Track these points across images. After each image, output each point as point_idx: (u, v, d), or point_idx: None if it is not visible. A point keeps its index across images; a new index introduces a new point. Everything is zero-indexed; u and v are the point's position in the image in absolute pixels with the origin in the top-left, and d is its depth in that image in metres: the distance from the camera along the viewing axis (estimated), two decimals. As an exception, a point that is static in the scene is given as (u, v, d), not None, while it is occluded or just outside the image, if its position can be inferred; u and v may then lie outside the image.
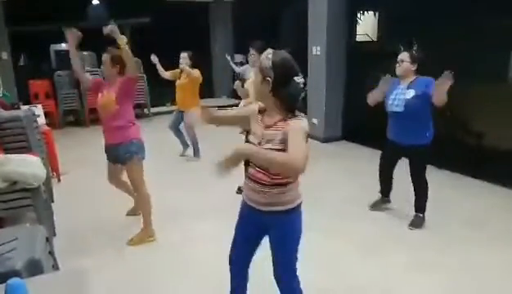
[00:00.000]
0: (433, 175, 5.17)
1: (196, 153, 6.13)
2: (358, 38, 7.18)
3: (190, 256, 3.38)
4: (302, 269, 2.21)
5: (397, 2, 6.23)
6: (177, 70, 5.97)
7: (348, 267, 3.17)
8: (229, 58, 8.08)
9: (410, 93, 3.49)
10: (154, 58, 6.07)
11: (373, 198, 4.18)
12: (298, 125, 1.87)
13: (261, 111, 2.04)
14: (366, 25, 7.36)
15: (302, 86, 1.91)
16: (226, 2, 10.33)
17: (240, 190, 4.80)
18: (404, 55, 3.56)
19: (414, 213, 3.81)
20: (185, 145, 6.29)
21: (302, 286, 2.23)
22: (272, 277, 2.20)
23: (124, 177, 3.77)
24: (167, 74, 6.12)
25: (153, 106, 9.43)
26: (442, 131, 5.29)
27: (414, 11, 5.79)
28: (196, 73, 5.73)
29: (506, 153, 4.82)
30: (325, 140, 6.72)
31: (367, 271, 3.10)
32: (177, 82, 6.01)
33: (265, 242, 2.19)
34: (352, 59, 6.75)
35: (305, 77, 1.95)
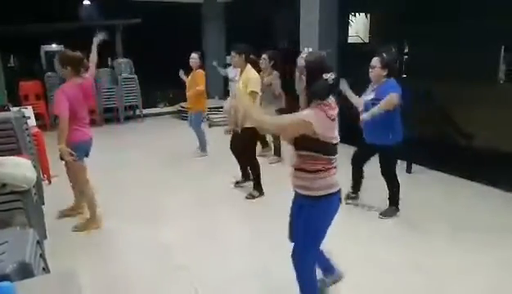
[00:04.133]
0: (424, 175, 5.29)
1: (204, 148, 6.31)
2: (350, 40, 7.23)
3: (180, 256, 3.37)
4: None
5: (388, 4, 6.29)
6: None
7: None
8: (215, 64, 7.95)
9: (371, 96, 3.74)
10: (181, 74, 6.21)
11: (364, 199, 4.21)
12: (303, 111, 2.22)
13: None
14: (358, 27, 7.42)
15: (331, 81, 2.17)
16: (219, 2, 10.33)
17: (237, 183, 4.93)
18: (375, 61, 3.71)
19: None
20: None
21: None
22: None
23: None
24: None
25: (145, 107, 9.40)
26: (433, 132, 5.37)
27: (405, 12, 5.85)
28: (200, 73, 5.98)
29: (496, 154, 4.88)
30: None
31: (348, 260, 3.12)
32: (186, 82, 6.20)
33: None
34: (344, 60, 6.79)
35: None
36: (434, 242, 3.55)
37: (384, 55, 3.73)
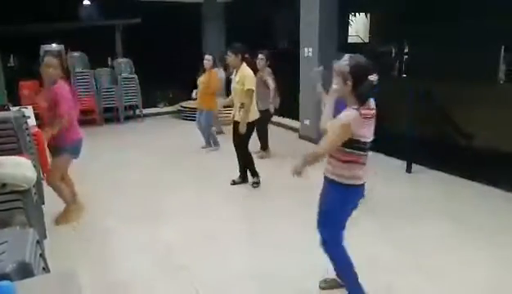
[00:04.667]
0: (424, 175, 5.29)
1: (216, 143, 6.57)
2: (350, 40, 7.23)
3: (180, 256, 3.37)
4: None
5: (388, 4, 6.29)
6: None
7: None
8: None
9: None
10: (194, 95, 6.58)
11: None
12: (342, 116, 2.33)
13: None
14: (358, 27, 7.42)
15: (375, 83, 2.29)
16: (219, 2, 10.33)
17: (234, 183, 4.97)
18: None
19: None
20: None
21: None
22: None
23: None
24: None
25: (144, 107, 9.40)
26: (433, 132, 5.37)
27: (405, 12, 5.86)
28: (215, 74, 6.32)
29: (496, 154, 4.88)
30: (318, 141, 6.74)
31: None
32: (198, 82, 6.43)
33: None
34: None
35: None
36: (435, 241, 3.55)
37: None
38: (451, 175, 5.09)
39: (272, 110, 5.93)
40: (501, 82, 5.09)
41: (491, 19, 4.70)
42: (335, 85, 2.41)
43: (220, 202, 4.51)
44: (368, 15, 7.43)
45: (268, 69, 5.91)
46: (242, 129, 4.54)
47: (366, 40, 7.49)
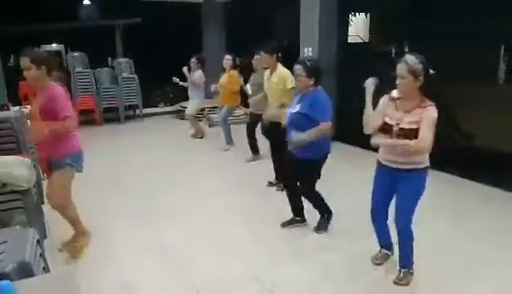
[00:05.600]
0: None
1: (229, 141, 6.62)
2: (350, 39, 7.22)
3: (180, 256, 3.37)
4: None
5: (388, 4, 6.29)
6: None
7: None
8: (177, 80, 7.59)
9: (296, 108, 3.41)
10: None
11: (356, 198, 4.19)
12: (433, 114, 2.59)
13: (392, 100, 2.78)
14: (358, 27, 7.43)
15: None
16: (219, 2, 10.33)
17: (271, 184, 4.88)
18: (299, 69, 3.37)
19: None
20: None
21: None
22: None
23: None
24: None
25: (145, 107, 9.41)
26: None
27: (405, 12, 5.85)
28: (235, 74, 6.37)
29: (496, 154, 4.88)
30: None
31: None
32: (220, 82, 6.54)
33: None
34: (344, 60, 6.79)
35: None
36: (436, 242, 3.55)
37: (307, 62, 3.39)
38: (451, 175, 5.09)
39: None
40: (501, 82, 5.09)
41: (491, 19, 4.69)
42: (402, 82, 2.65)
43: (221, 202, 4.51)
44: (368, 15, 7.43)
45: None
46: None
47: (366, 40, 7.49)
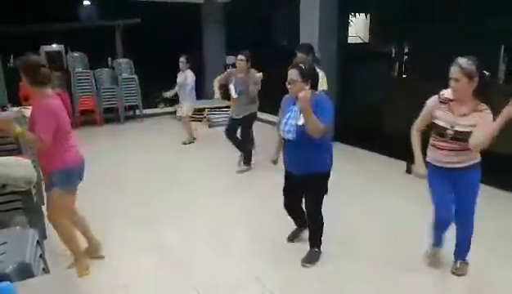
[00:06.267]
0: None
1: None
2: (350, 40, 7.22)
3: (180, 257, 3.37)
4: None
5: (388, 4, 6.29)
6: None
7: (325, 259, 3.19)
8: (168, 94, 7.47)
9: (300, 119, 2.93)
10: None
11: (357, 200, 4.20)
12: (490, 118, 2.70)
13: (443, 102, 2.83)
14: (358, 27, 7.42)
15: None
16: (219, 2, 10.33)
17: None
18: (294, 74, 2.98)
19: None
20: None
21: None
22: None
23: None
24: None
25: (145, 108, 9.40)
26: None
27: (405, 12, 5.85)
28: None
29: (496, 154, 4.87)
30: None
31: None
32: None
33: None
34: (344, 60, 6.79)
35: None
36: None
37: (303, 65, 3.03)
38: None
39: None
40: (501, 82, 5.08)
41: (491, 19, 4.69)
42: (456, 85, 2.71)
43: (221, 202, 4.51)
44: (368, 15, 7.42)
45: (253, 70, 5.43)
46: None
47: (366, 40, 7.48)
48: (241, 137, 5.61)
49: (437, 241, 3.19)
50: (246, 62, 5.30)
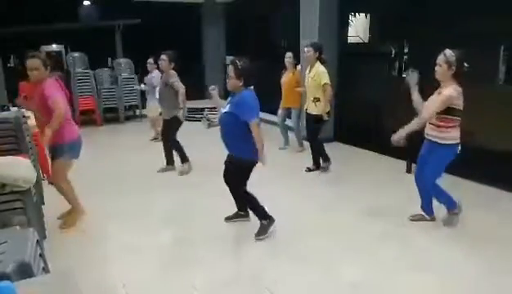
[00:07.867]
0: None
1: (301, 143, 6.57)
2: (350, 40, 7.22)
3: (180, 256, 3.37)
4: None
5: (388, 4, 6.29)
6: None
7: (337, 263, 3.20)
8: (140, 86, 7.67)
9: (226, 108, 3.47)
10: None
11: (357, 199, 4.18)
12: (445, 93, 3.34)
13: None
14: (358, 27, 7.41)
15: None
16: (219, 2, 10.34)
17: (309, 169, 5.38)
18: (230, 71, 3.38)
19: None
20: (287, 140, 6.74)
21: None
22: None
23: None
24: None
25: (144, 108, 9.40)
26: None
27: (405, 12, 5.85)
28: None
29: (495, 155, 4.87)
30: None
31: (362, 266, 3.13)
32: (282, 80, 6.43)
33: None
34: (344, 60, 6.79)
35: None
36: (439, 242, 3.56)
37: (238, 62, 3.35)
38: (451, 175, 5.08)
39: (182, 119, 5.19)
40: (501, 82, 5.08)
41: (491, 19, 4.69)
42: (438, 69, 3.33)
43: (220, 202, 4.51)
44: (368, 16, 7.42)
45: (173, 71, 5.22)
46: (326, 117, 5.13)
47: (366, 40, 7.48)
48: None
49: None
50: (169, 62, 5.19)
